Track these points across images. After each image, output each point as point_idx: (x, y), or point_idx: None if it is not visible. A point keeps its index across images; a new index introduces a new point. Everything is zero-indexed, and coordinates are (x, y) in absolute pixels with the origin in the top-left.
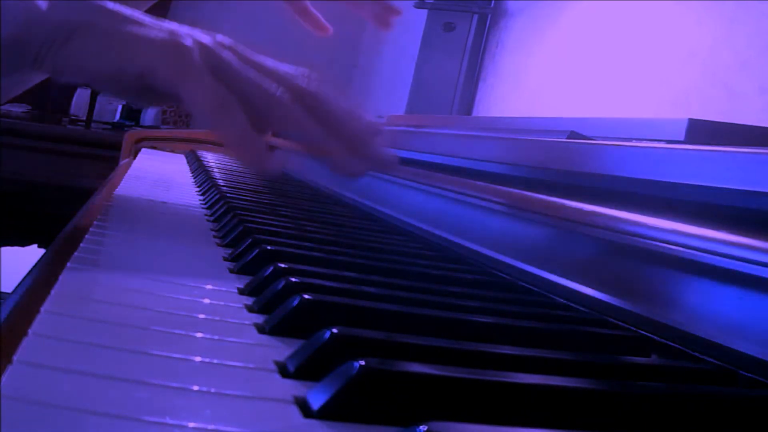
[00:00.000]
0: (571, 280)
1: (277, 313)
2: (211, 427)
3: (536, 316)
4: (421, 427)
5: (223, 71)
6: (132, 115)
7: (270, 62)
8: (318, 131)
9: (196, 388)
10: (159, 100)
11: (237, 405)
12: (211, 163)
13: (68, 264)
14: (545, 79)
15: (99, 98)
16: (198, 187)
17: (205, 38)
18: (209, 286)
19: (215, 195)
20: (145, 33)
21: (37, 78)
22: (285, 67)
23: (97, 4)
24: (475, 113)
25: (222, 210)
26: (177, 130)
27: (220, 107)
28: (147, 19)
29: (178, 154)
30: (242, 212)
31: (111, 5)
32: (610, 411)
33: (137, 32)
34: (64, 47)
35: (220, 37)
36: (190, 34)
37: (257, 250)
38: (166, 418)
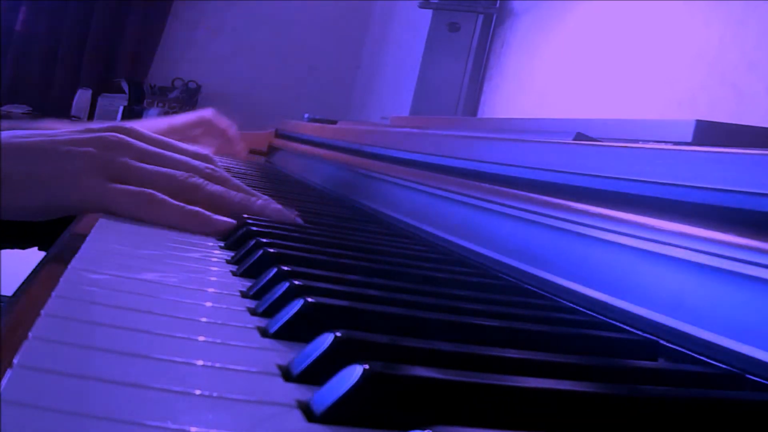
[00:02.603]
0: (578, 283)
1: (280, 317)
2: (213, 431)
3: (542, 319)
4: (425, 431)
5: (128, 175)
6: (134, 117)
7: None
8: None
9: (198, 392)
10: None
11: (239, 409)
12: None
13: (69, 266)
14: (551, 80)
15: (100, 99)
16: None
17: (97, 146)
18: (211, 290)
19: None
20: (47, 172)
21: None
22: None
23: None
24: (480, 114)
25: None
26: None
27: (148, 203)
28: (42, 141)
29: None
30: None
31: (17, 138)
32: (616, 415)
33: (41, 173)
34: None
35: (115, 137)
36: (84, 151)
37: (260, 253)
38: (168, 422)
